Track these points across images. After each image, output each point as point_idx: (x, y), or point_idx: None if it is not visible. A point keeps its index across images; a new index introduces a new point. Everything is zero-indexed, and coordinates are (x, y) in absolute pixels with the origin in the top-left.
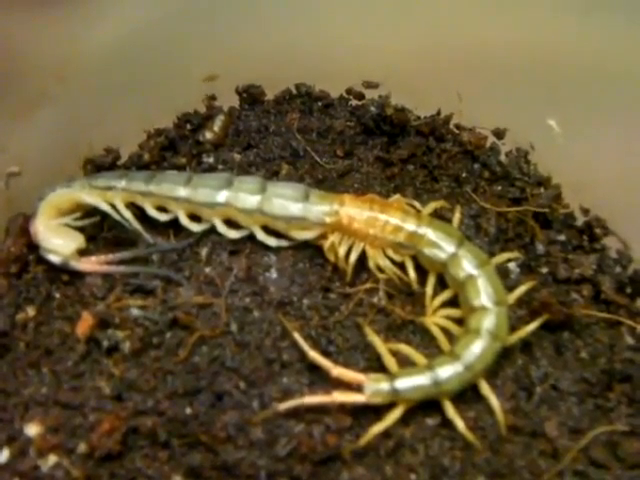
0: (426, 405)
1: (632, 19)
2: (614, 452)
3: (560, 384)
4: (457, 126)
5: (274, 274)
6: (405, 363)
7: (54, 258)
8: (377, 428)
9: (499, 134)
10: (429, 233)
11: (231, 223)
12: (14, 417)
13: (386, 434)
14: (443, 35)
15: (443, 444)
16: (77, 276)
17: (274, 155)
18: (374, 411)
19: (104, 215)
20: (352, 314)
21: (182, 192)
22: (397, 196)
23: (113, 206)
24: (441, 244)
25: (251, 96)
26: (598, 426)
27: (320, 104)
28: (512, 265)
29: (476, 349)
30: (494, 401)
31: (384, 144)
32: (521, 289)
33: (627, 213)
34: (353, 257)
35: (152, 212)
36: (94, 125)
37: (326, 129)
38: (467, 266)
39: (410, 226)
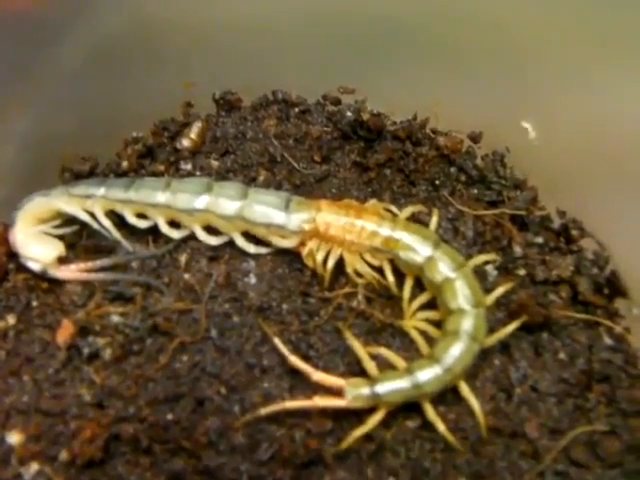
0: (407, 408)
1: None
2: (594, 452)
3: (539, 385)
4: (433, 130)
5: (253, 279)
6: (385, 366)
7: (34, 266)
8: (358, 431)
9: (475, 138)
10: (404, 237)
11: (210, 229)
12: None
13: (367, 437)
14: (417, 40)
15: (424, 446)
16: (57, 284)
17: (252, 161)
18: (355, 414)
19: (83, 223)
20: (332, 318)
21: (161, 198)
22: (373, 201)
23: (92, 214)
24: (417, 247)
25: (228, 103)
26: (578, 426)
27: (297, 110)
28: (490, 267)
29: (455, 351)
30: (474, 403)
31: (361, 149)
32: (499, 291)
33: (603, 214)
34: (331, 263)
35: (131, 219)
36: (71, 134)
37: (303, 135)
38: (444, 269)
39: (386, 231)
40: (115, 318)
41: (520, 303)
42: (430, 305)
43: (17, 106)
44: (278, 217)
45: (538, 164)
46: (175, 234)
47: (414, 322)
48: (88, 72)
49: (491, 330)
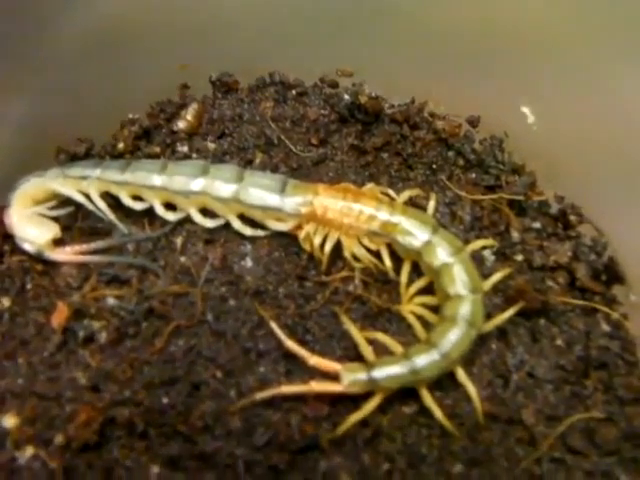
0: (403, 393)
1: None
2: (591, 439)
3: (536, 371)
4: (431, 114)
5: (250, 263)
6: (382, 351)
7: (29, 247)
8: (354, 417)
9: (473, 122)
10: (403, 221)
11: (206, 212)
12: None
13: (364, 423)
14: (416, 23)
15: (420, 432)
16: (52, 266)
17: (248, 144)
18: (351, 400)
19: (79, 205)
20: (328, 303)
21: (157, 180)
22: (371, 185)
23: (87, 196)
24: (415, 232)
25: (225, 84)
26: (575, 413)
27: (294, 92)
28: (487, 253)
29: (452, 337)
30: (471, 388)
31: (358, 132)
32: (496, 276)
33: (602, 200)
34: (328, 247)
35: (127, 201)
36: (67, 115)
37: (300, 117)
38: (441, 254)
39: (384, 215)
40: (110, 301)
41: (517, 289)
42: (427, 290)
43: (13, 89)
44: (274, 200)
45: (537, 149)
46: (171, 216)
47: (411, 307)
48: (84, 54)
49: (488, 316)
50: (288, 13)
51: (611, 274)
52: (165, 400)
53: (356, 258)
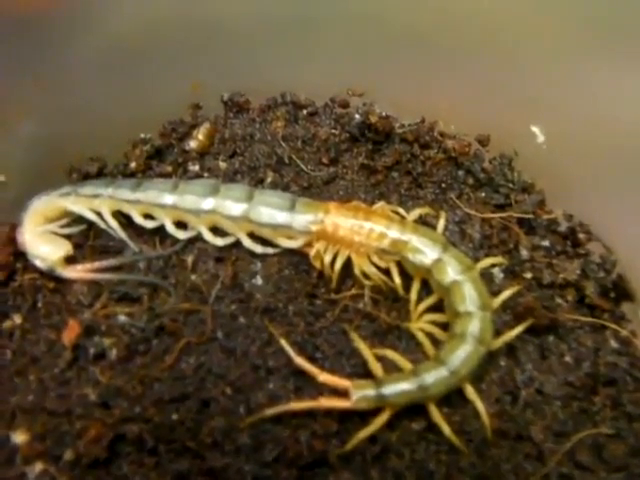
0: (412, 410)
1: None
2: (599, 455)
3: (545, 388)
4: (441, 133)
5: (260, 281)
6: (391, 368)
7: (41, 265)
8: (363, 433)
9: (483, 141)
10: (413, 239)
11: (217, 230)
12: (0, 425)
13: (372, 439)
14: (427, 43)
15: (429, 448)
16: (64, 284)
17: (259, 163)
18: (360, 416)
19: (91, 223)
20: (338, 320)
21: (168, 199)
22: (381, 203)
23: (99, 214)
24: (425, 250)
25: (236, 104)
26: (583, 429)
27: (305, 112)
28: (496, 270)
29: (461, 354)
30: (479, 405)
31: (369, 152)
32: (505, 294)
33: (610, 218)
34: (339, 264)
35: (138, 219)
36: (79, 134)
37: (311, 137)
38: (451, 271)
39: (394, 233)
40: (121, 318)
41: (526, 306)
42: (437, 308)
43: (25, 108)
44: (283, 218)
45: (546, 168)
46: (182, 235)
47: (420, 324)
48: (96, 74)
49: (497, 333)
50: (300, 34)
51: (620, 291)
52: (175, 416)
53: (366, 276)
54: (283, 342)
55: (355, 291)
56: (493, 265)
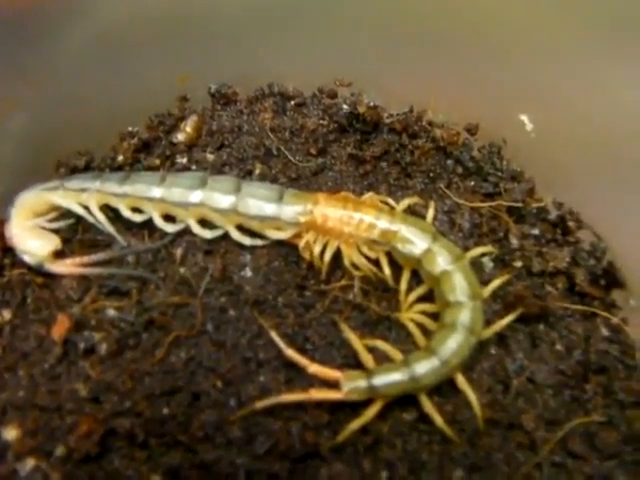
0: (403, 400)
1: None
2: (591, 443)
3: (536, 376)
4: (430, 123)
5: (249, 273)
6: (382, 359)
7: (30, 260)
8: (355, 424)
9: (471, 130)
10: (402, 229)
11: (205, 223)
12: None
13: (364, 430)
14: (414, 32)
15: (421, 439)
16: (52, 279)
17: (247, 155)
18: (351, 407)
19: (79, 217)
20: (328, 311)
21: (156, 192)
22: (370, 193)
23: (86, 208)
24: (415, 240)
25: (223, 96)
26: (575, 418)
27: (293, 103)
28: (486, 259)
29: (452, 343)
30: (471, 395)
31: (357, 142)
32: (495, 283)
33: (600, 206)
34: (328, 255)
35: (126, 213)
36: (67, 128)
37: (299, 128)
38: (441, 261)
39: (383, 223)
40: (111, 312)
41: (517, 295)
42: (427, 298)
43: (12, 103)
44: (272, 209)
45: (535, 156)
46: (170, 228)
47: (411, 314)
48: (83, 67)
49: (488, 322)
50: (286, 24)
51: (610, 279)
52: (165, 410)
53: (355, 266)
54: (273, 334)
55: (345, 282)
56: (483, 254)
